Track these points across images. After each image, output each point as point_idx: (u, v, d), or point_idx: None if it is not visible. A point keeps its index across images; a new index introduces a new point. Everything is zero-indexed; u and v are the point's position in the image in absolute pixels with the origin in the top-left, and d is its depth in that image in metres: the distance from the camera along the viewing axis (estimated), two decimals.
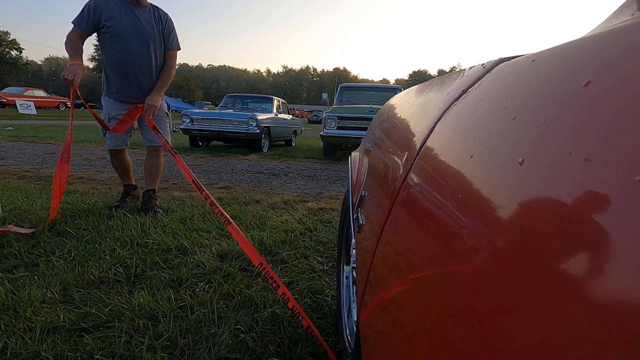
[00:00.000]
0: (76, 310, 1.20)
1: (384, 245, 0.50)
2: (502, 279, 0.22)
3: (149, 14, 2.21)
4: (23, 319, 1.13)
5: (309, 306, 1.34)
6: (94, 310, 1.20)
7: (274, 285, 1.14)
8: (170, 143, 2.09)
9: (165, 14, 2.30)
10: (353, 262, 0.75)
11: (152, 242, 1.82)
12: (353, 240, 0.80)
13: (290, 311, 1.26)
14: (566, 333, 0.17)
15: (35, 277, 1.41)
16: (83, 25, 2.07)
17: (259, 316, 1.22)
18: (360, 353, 0.54)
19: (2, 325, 1.10)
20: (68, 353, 1.00)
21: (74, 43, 2.07)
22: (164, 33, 2.26)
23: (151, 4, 2.27)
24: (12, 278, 1.39)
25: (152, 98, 2.22)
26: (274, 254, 1.78)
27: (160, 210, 2.37)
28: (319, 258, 1.78)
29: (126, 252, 1.70)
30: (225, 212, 1.40)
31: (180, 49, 2.38)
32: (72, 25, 2.08)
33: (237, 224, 2.16)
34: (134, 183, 2.58)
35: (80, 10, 2.10)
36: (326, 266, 1.70)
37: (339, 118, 5.77)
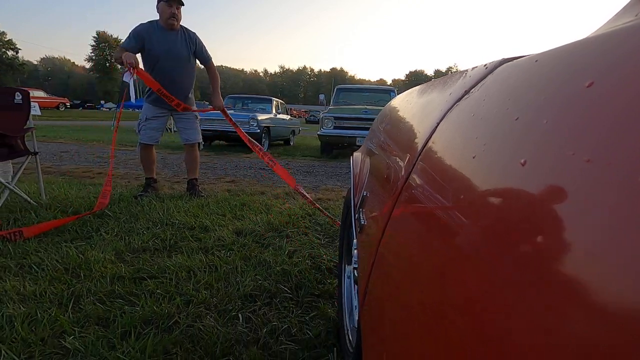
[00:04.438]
0: (132, 267, 1.57)
1: (385, 246, 0.50)
2: (504, 279, 0.22)
3: (181, 37, 2.71)
4: (95, 271, 1.50)
5: (310, 266, 1.71)
6: (145, 267, 1.57)
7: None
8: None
9: (193, 34, 2.80)
10: (355, 262, 0.74)
11: (178, 222, 2.18)
12: (354, 240, 0.80)
13: (295, 266, 1.64)
14: (567, 334, 0.17)
15: (92, 245, 1.78)
16: (131, 47, 2.58)
17: (272, 271, 1.60)
18: (361, 352, 0.55)
19: (82, 275, 1.46)
20: (135, 291, 1.37)
21: (125, 54, 2.56)
22: (196, 51, 2.78)
23: (181, 26, 2.73)
24: (74, 246, 1.75)
25: (217, 100, 2.93)
26: (280, 231, 2.15)
27: (204, 194, 2.98)
28: (317, 235, 2.15)
29: (159, 229, 2.06)
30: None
31: (211, 58, 2.90)
32: (121, 46, 2.59)
33: (246, 210, 2.55)
34: (155, 177, 2.96)
35: (127, 37, 2.59)
36: (323, 240, 2.07)
37: (336, 118, 6.15)
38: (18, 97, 2.33)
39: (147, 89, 2.75)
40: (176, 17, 2.63)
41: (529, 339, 0.18)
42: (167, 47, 2.65)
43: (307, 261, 1.75)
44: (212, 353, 1.05)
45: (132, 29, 2.61)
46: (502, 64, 0.42)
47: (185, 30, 2.76)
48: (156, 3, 2.64)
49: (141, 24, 2.63)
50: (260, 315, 1.25)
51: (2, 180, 2.17)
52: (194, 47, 2.76)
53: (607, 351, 0.15)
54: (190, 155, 2.98)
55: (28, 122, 2.40)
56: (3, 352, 0.99)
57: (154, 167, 2.94)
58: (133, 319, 1.18)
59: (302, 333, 1.18)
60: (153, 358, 1.01)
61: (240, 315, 1.25)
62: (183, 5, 2.66)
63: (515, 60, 0.39)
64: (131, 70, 2.43)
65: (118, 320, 1.17)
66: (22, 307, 1.21)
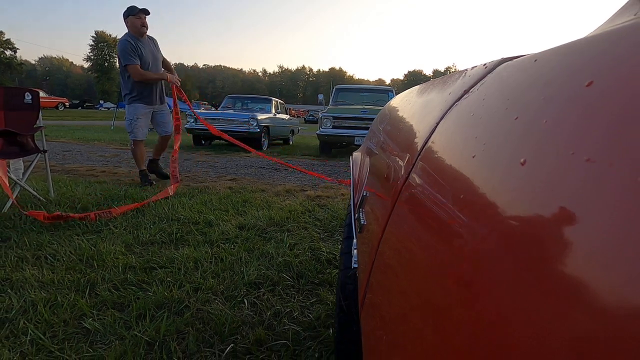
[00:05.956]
0: (141, 258, 1.66)
1: (385, 245, 0.50)
2: (504, 279, 0.22)
3: (153, 43, 3.18)
4: (107, 262, 1.59)
5: (310, 258, 1.80)
6: (154, 258, 1.66)
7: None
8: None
9: (154, 38, 3.26)
10: (354, 262, 0.74)
11: (183, 217, 2.27)
12: (354, 240, 0.80)
13: (296, 257, 1.73)
14: (566, 335, 0.17)
15: (102, 238, 1.87)
16: (137, 62, 3.00)
17: (274, 261, 1.69)
18: (362, 348, 0.56)
19: (96, 265, 1.55)
20: (146, 279, 1.46)
21: (144, 71, 3.03)
22: (160, 52, 3.34)
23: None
24: (85, 239, 1.84)
25: (175, 76, 3.40)
26: (281, 226, 2.25)
27: (168, 173, 3.35)
28: (317, 229, 2.25)
29: (165, 224, 2.15)
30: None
31: None
32: (130, 64, 2.94)
33: (248, 206, 2.64)
34: (144, 167, 3.37)
35: (124, 54, 2.93)
36: (322, 235, 2.17)
37: (334, 118, 6.24)
38: (28, 97, 2.42)
39: (130, 92, 3.06)
40: (146, 25, 3.06)
41: (529, 339, 0.18)
42: (151, 54, 3.11)
43: (307, 253, 1.84)
44: (221, 332, 1.14)
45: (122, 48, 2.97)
46: (502, 63, 0.42)
47: (150, 36, 3.16)
48: (124, 19, 3.00)
49: (125, 40, 2.97)
50: (264, 301, 1.35)
51: (14, 177, 2.26)
52: (160, 50, 3.27)
53: (608, 351, 0.14)
54: (163, 144, 3.50)
55: (38, 121, 2.48)
56: (30, 331, 1.08)
57: (144, 159, 3.34)
58: (147, 303, 1.27)
59: (304, 316, 1.27)
60: (167, 336, 1.10)
61: (245, 300, 1.34)
62: (149, 14, 3.04)
63: (514, 60, 0.39)
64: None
65: (133, 305, 1.26)
66: (42, 293, 1.30)
